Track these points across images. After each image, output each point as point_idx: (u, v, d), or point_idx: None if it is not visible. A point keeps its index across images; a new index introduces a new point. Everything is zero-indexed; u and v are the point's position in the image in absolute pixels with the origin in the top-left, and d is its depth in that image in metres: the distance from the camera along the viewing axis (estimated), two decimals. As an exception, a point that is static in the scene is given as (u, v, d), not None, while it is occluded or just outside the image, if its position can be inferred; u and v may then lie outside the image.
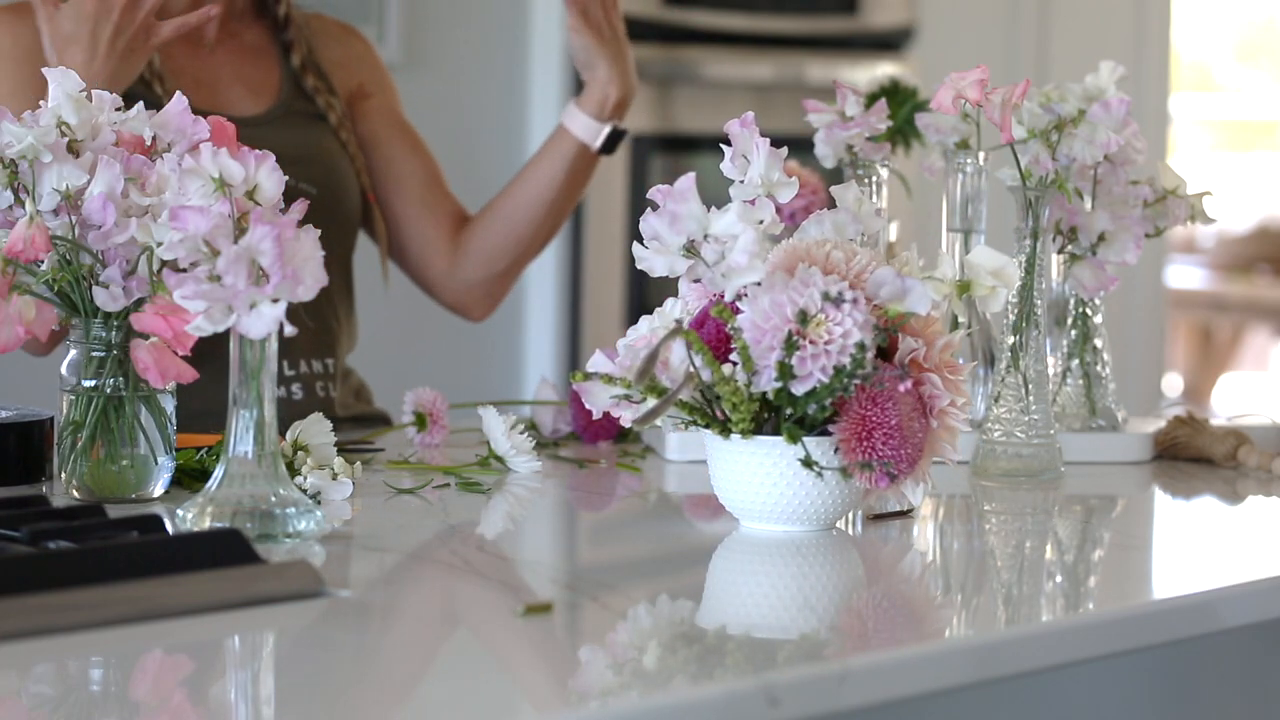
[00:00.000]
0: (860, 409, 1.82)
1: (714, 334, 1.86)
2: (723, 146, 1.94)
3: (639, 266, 1.92)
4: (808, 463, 1.84)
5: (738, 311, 1.84)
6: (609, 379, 1.87)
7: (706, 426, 1.87)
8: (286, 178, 2.44)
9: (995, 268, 1.97)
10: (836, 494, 1.87)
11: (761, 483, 1.86)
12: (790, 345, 1.80)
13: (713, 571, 1.84)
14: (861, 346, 1.80)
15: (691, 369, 1.84)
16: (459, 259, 2.67)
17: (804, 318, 1.81)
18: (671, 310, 1.92)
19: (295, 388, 2.48)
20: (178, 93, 1.95)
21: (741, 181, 1.93)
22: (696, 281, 1.92)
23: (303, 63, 2.61)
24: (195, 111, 2.38)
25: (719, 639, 1.58)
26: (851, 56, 4.48)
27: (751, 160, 1.93)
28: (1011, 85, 2.11)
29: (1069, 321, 2.37)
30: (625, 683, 1.45)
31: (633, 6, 4.20)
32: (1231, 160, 8.91)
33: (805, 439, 1.83)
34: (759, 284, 1.84)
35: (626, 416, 1.88)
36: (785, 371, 1.81)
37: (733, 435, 1.84)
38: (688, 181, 1.89)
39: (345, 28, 2.74)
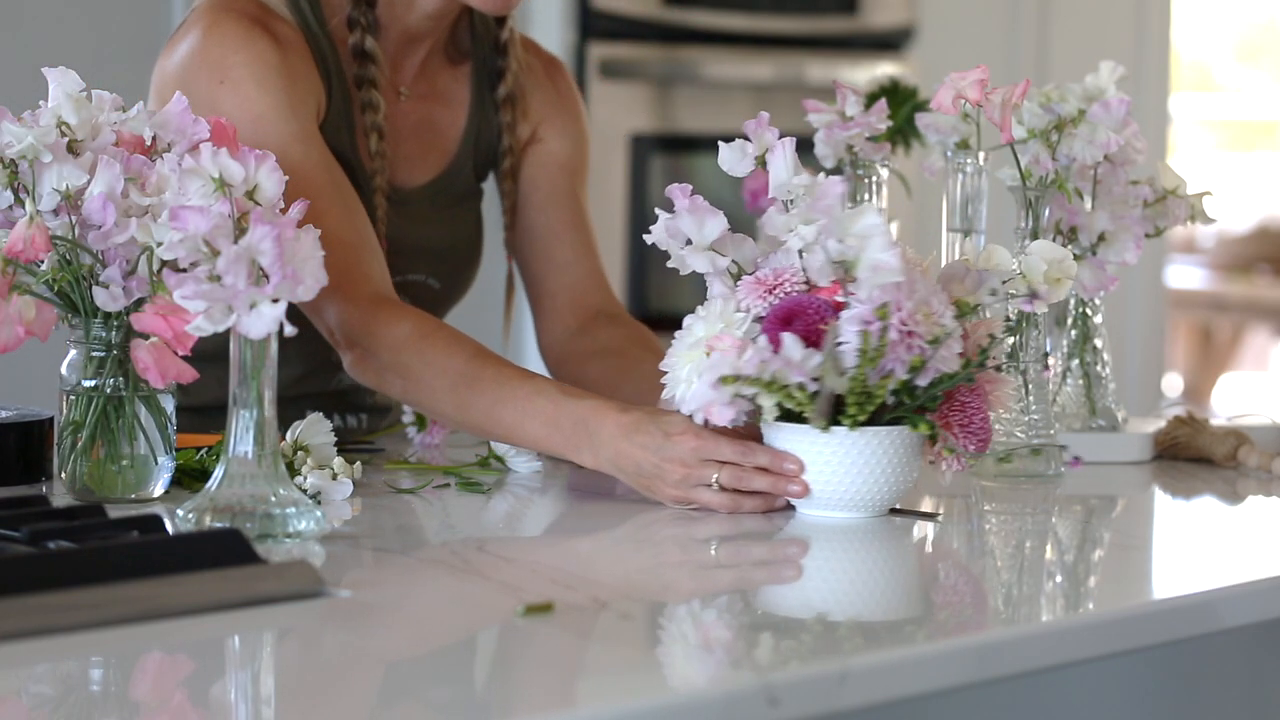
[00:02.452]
0: (962, 398, 1.95)
1: (809, 326, 1.91)
2: (721, 143, 1.97)
3: (675, 265, 1.95)
4: (933, 438, 1.94)
5: (841, 306, 1.91)
6: (733, 380, 1.88)
7: (804, 419, 1.91)
8: (412, 275, 2.38)
9: (1055, 259, 2.03)
10: (893, 481, 1.94)
11: (833, 471, 1.93)
12: (935, 341, 1.90)
13: (713, 571, 1.84)
14: (992, 339, 1.95)
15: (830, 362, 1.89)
16: (567, 352, 2.41)
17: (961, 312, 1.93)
18: (724, 310, 1.92)
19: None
20: (177, 93, 1.95)
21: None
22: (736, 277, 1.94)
23: (508, 95, 2.40)
24: (354, 179, 2.27)
25: (720, 638, 1.58)
26: (851, 56, 4.48)
27: (773, 162, 1.96)
28: (1011, 85, 2.11)
29: (1069, 321, 2.37)
30: (625, 683, 1.45)
31: (633, 7, 4.20)
32: (1232, 160, 8.91)
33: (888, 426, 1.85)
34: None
35: (723, 414, 1.90)
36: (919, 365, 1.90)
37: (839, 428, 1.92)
38: (836, 186, 1.94)
39: (550, 65, 2.50)
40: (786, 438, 1.94)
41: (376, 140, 2.28)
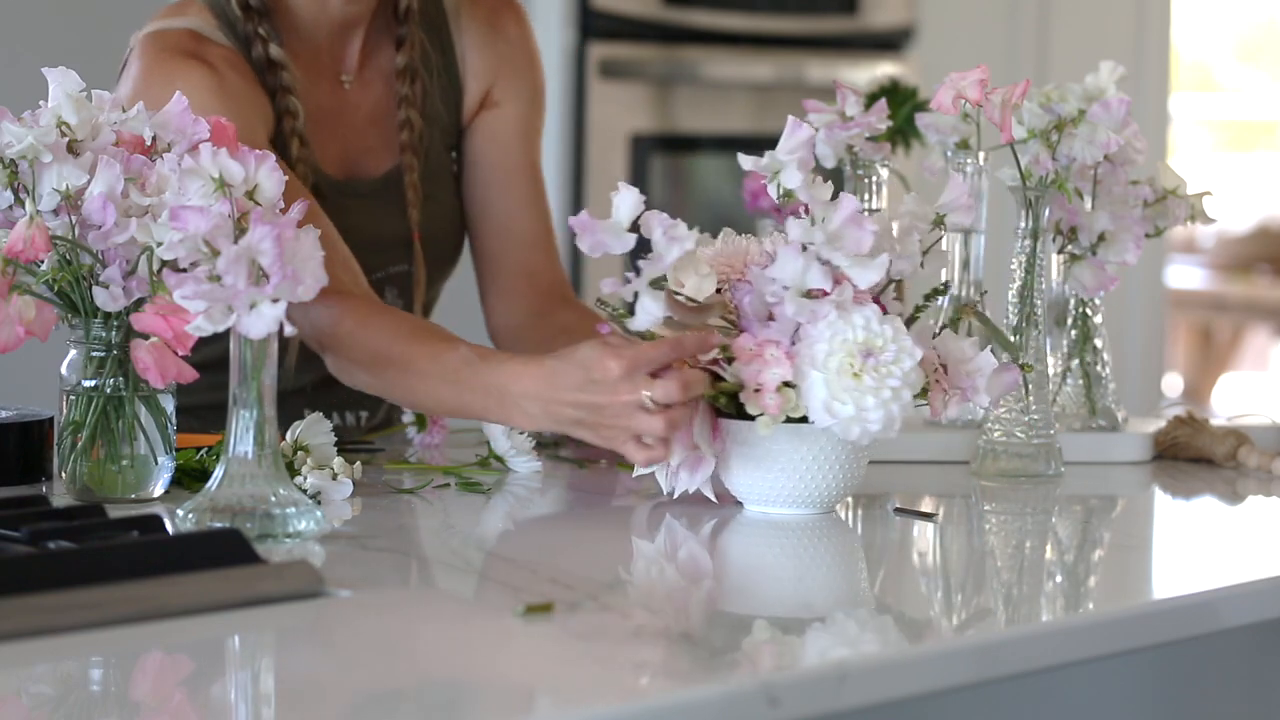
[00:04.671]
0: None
1: None
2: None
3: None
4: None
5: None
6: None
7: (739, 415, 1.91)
8: (395, 268, 2.33)
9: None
10: (841, 477, 1.93)
11: (782, 468, 1.92)
12: None
13: (713, 571, 1.84)
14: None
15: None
16: (524, 334, 2.37)
17: None
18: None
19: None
20: (177, 93, 1.94)
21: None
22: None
23: (406, 65, 2.33)
24: (321, 173, 2.24)
25: (719, 638, 1.58)
26: (851, 56, 4.48)
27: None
28: (1011, 85, 2.11)
29: (1069, 321, 2.37)
30: (626, 683, 1.45)
31: (633, 6, 4.20)
32: (1232, 160, 8.91)
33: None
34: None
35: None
36: None
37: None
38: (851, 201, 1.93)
39: (497, 10, 2.41)
40: (742, 434, 1.93)
41: (298, 145, 2.25)
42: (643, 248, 1.91)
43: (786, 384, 1.88)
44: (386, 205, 2.34)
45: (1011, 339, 2.12)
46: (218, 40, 2.23)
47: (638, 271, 1.90)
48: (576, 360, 1.90)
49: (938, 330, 1.98)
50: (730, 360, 1.90)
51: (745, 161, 1.96)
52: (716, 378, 1.91)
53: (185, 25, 2.23)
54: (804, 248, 1.89)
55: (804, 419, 1.90)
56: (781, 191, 1.95)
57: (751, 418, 1.91)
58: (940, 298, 2.01)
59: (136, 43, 2.24)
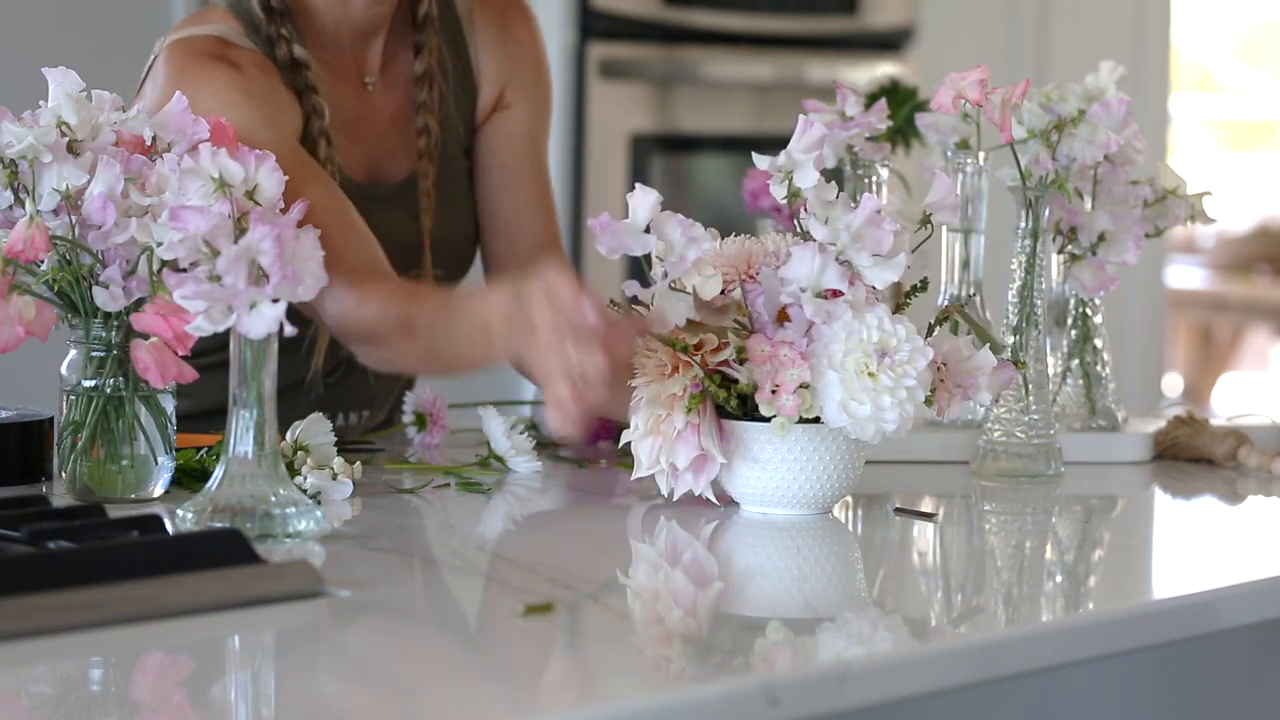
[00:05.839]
0: None
1: None
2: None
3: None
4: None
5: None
6: None
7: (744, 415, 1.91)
8: (414, 272, 2.31)
9: None
10: (839, 477, 1.93)
11: (780, 469, 1.91)
12: None
13: (714, 571, 1.84)
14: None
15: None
16: None
17: None
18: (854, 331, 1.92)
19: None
20: (177, 93, 1.94)
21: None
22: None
23: (425, 71, 2.33)
24: (345, 175, 2.22)
25: (720, 638, 1.58)
26: (851, 56, 4.48)
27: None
28: (1011, 85, 2.12)
29: (1069, 321, 2.37)
30: (626, 683, 1.45)
31: (633, 6, 4.20)
32: (1232, 160, 8.90)
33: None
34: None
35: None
36: None
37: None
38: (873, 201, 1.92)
39: (507, 12, 2.44)
40: (741, 435, 1.93)
41: (325, 146, 2.24)
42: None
43: (802, 385, 1.88)
44: (405, 210, 2.34)
45: (997, 337, 2.13)
46: (243, 45, 2.22)
47: (644, 271, 1.91)
48: (525, 310, 1.86)
49: (928, 330, 1.98)
50: (743, 361, 1.90)
51: (760, 161, 1.96)
52: (729, 379, 1.91)
53: (210, 31, 2.22)
54: (821, 248, 1.88)
55: (802, 419, 1.90)
56: (789, 191, 1.95)
57: (751, 419, 1.91)
58: (919, 295, 2.00)
59: (162, 50, 2.22)
